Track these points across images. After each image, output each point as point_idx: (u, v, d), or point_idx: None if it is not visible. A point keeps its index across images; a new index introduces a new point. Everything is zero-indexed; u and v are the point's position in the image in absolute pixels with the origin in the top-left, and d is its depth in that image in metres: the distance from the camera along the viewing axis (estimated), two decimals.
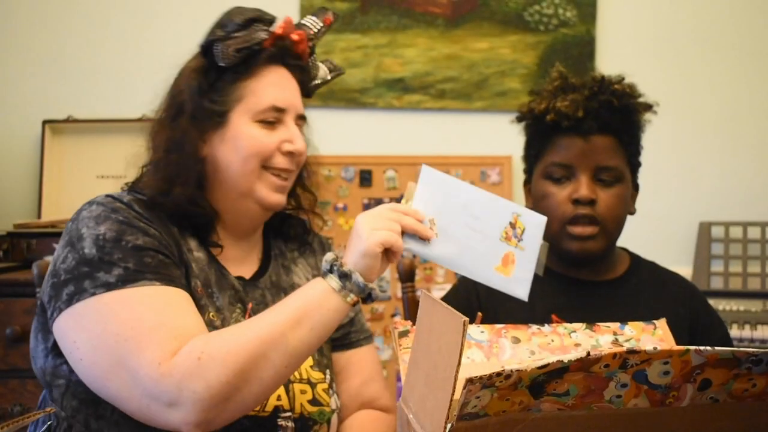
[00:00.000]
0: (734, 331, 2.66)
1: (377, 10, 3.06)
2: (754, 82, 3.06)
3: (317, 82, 1.52)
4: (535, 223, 1.36)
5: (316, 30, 1.48)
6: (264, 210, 1.43)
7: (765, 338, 2.66)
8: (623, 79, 1.66)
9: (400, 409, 1.03)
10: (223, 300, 1.38)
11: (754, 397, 0.88)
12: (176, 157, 1.38)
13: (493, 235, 1.34)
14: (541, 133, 1.66)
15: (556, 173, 1.61)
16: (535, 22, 3.06)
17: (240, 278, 1.44)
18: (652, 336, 1.28)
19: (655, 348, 0.82)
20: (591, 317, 1.63)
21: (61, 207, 2.93)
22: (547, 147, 1.64)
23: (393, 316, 3.05)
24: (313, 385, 1.41)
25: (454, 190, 1.36)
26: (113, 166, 2.86)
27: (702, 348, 0.84)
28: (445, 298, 1.72)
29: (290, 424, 1.34)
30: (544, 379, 0.82)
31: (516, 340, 1.25)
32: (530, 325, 1.28)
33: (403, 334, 1.23)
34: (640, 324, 1.30)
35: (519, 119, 1.71)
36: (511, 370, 0.80)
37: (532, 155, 1.69)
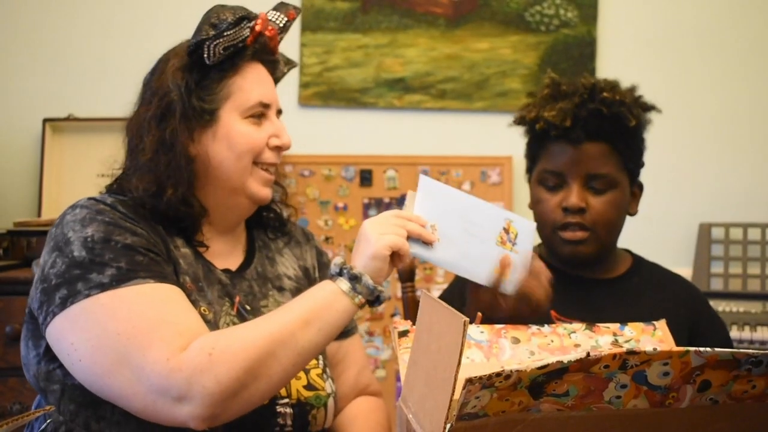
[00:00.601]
0: (734, 333, 2.66)
1: (378, 10, 3.06)
2: (754, 83, 3.06)
3: (278, 75, 1.55)
4: (527, 229, 1.43)
5: (282, 25, 1.49)
6: (253, 204, 1.47)
7: (765, 340, 2.66)
8: (615, 85, 1.64)
9: (399, 408, 1.03)
10: (212, 294, 1.40)
11: (753, 399, 0.88)
12: (167, 157, 1.38)
13: (490, 239, 1.40)
14: (535, 138, 1.67)
15: (548, 180, 1.62)
16: (536, 23, 3.06)
17: (226, 271, 1.46)
18: (652, 337, 1.28)
19: (654, 349, 0.82)
20: (590, 315, 1.63)
21: (61, 205, 2.92)
22: (541, 153, 1.65)
23: (393, 315, 3.05)
24: (306, 371, 1.43)
25: (451, 198, 1.41)
26: (113, 164, 2.86)
27: (702, 349, 0.84)
28: (441, 298, 1.72)
29: (288, 410, 1.38)
30: (544, 380, 0.82)
31: (516, 341, 1.25)
32: (530, 325, 1.28)
33: (403, 333, 1.23)
34: (640, 325, 1.30)
35: (516, 122, 1.72)
36: (511, 371, 0.80)
37: (529, 158, 1.70)
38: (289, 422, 1.38)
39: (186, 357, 1.20)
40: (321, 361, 1.47)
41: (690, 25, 3.07)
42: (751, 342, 2.65)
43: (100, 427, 1.28)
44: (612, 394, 0.86)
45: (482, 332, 1.26)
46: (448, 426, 0.84)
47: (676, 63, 3.07)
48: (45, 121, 2.96)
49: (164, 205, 1.38)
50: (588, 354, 0.81)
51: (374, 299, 1.31)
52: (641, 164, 1.69)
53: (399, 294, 2.80)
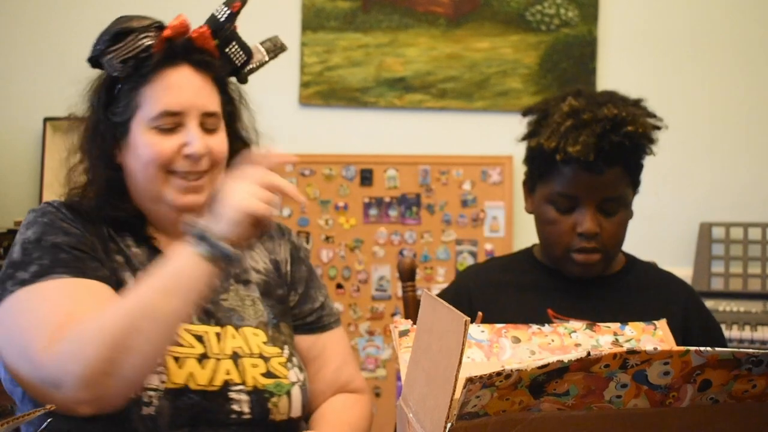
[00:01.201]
0: (734, 332, 2.67)
1: (379, 9, 3.06)
2: (755, 83, 3.06)
3: (252, 66, 1.52)
4: None
5: (222, 20, 1.46)
6: (180, 212, 1.44)
7: (765, 339, 2.66)
8: (637, 114, 1.59)
9: (399, 408, 1.04)
10: None
11: (754, 398, 0.88)
12: (94, 167, 1.45)
13: None
14: (545, 158, 1.61)
15: (560, 203, 1.60)
16: (536, 22, 3.06)
17: None
18: (653, 336, 1.28)
19: (655, 348, 0.82)
20: (585, 313, 1.64)
21: None
22: (553, 174, 1.60)
23: (393, 315, 3.05)
24: (266, 359, 1.43)
25: None
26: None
27: (702, 349, 0.84)
28: (440, 295, 1.72)
29: (244, 396, 1.38)
30: (544, 379, 0.82)
31: (516, 340, 1.25)
32: (530, 325, 1.28)
33: (404, 333, 1.23)
34: (641, 324, 1.30)
35: (533, 148, 1.64)
36: (511, 370, 0.80)
37: (535, 173, 1.66)
38: (246, 409, 1.38)
39: (56, 346, 1.24)
40: (286, 350, 1.46)
41: (690, 24, 3.07)
42: (752, 342, 2.66)
43: (76, 424, 1.30)
44: (612, 394, 0.86)
45: (483, 331, 1.26)
46: (449, 425, 0.84)
47: (676, 62, 3.07)
48: (45, 120, 2.97)
49: (96, 208, 1.42)
50: (588, 353, 0.81)
51: (226, 259, 1.29)
52: (642, 166, 1.69)
53: (399, 293, 2.81)
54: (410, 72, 3.07)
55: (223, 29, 1.47)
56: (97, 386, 1.23)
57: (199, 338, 1.41)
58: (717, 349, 0.84)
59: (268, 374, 1.42)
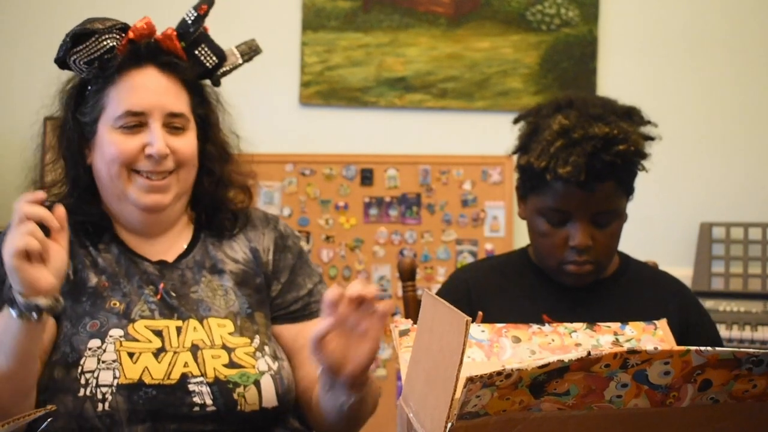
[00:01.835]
0: (734, 332, 2.67)
1: (379, 9, 3.06)
2: (755, 83, 3.06)
3: (225, 69, 1.52)
4: None
5: (189, 22, 1.48)
6: (145, 212, 1.46)
7: (765, 339, 2.66)
8: (629, 131, 1.57)
9: (400, 407, 1.04)
10: (131, 286, 1.45)
11: (754, 398, 0.88)
12: (66, 166, 1.49)
13: None
14: (536, 174, 1.59)
15: (552, 217, 1.58)
16: (537, 22, 3.06)
17: (161, 262, 1.49)
18: (653, 336, 1.28)
19: (655, 348, 0.82)
20: (581, 316, 1.63)
21: None
22: (544, 188, 1.58)
23: (393, 315, 3.05)
24: (231, 350, 1.42)
25: None
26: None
27: (702, 348, 0.84)
28: (437, 294, 1.71)
29: (205, 388, 1.37)
30: (545, 379, 0.82)
31: (516, 340, 1.25)
32: (531, 324, 1.28)
33: (404, 332, 1.23)
34: (641, 324, 1.30)
35: (522, 165, 1.62)
36: (512, 370, 0.80)
37: (527, 185, 1.64)
38: (208, 401, 1.37)
39: None
40: (257, 340, 1.45)
41: (690, 24, 3.07)
42: (752, 342, 2.66)
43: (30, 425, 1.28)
44: (613, 394, 0.86)
45: (483, 331, 1.26)
46: (449, 425, 0.84)
47: (676, 62, 3.07)
48: (46, 119, 2.96)
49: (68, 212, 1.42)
50: (589, 353, 0.81)
51: (34, 310, 1.26)
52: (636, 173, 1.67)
53: (399, 293, 2.81)
54: (411, 72, 3.08)
55: (189, 31, 1.48)
56: None
57: (158, 333, 1.41)
58: (717, 348, 0.84)
59: (231, 365, 1.40)
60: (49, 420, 1.31)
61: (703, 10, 3.07)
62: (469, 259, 3.03)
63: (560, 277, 1.63)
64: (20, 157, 1.58)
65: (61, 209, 1.29)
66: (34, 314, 1.25)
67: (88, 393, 1.34)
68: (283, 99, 3.10)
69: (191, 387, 1.37)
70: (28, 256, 1.24)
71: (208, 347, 1.41)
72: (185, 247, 1.52)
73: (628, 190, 1.62)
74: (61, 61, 1.46)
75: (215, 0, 1.49)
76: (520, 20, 3.06)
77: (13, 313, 1.26)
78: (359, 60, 3.07)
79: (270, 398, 1.42)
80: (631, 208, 1.66)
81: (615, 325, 1.30)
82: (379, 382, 3.17)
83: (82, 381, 1.35)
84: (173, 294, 1.46)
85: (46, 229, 1.26)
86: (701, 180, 3.05)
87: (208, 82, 1.54)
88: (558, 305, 1.64)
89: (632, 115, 1.62)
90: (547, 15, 3.06)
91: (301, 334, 1.52)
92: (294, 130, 3.10)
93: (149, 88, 1.44)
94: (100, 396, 1.34)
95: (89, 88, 1.47)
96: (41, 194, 1.30)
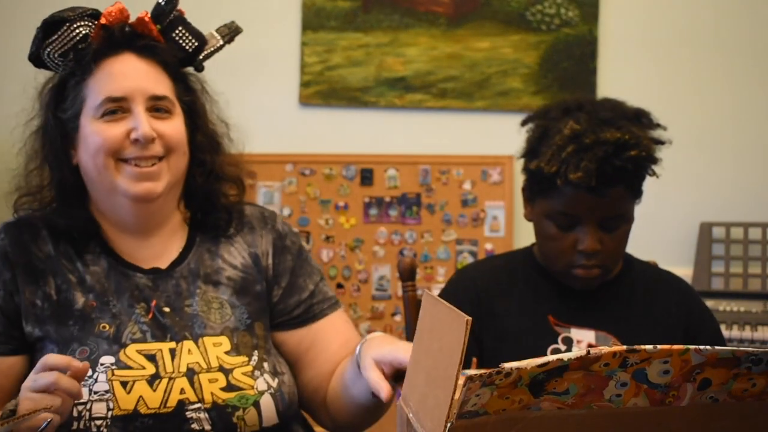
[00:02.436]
0: (734, 332, 2.66)
1: (379, 9, 3.06)
2: (755, 82, 3.06)
3: (206, 52, 1.48)
4: None
5: (163, 3, 1.43)
6: (136, 202, 1.40)
7: (765, 339, 2.66)
8: (641, 137, 1.56)
9: (400, 408, 1.04)
10: (121, 305, 1.40)
11: (753, 397, 0.88)
12: (49, 169, 1.43)
13: None
14: (545, 178, 1.58)
15: (560, 220, 1.58)
16: (537, 22, 3.06)
17: (154, 270, 1.44)
18: None
19: (654, 347, 0.82)
20: (587, 317, 1.64)
21: None
22: (553, 192, 1.57)
23: (393, 315, 3.05)
24: (227, 372, 1.37)
25: None
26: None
27: (702, 347, 0.84)
28: (441, 297, 1.71)
29: (203, 415, 1.33)
30: (544, 378, 0.82)
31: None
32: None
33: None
34: None
35: (531, 168, 1.61)
36: (511, 368, 0.80)
37: (535, 188, 1.63)
38: (207, 427, 1.33)
39: None
40: (255, 356, 1.41)
41: (691, 24, 3.07)
42: (752, 341, 2.66)
43: None
44: (612, 393, 0.86)
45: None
46: (449, 424, 0.84)
47: (676, 62, 3.07)
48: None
49: (50, 221, 1.40)
50: (588, 352, 0.81)
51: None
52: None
53: (400, 293, 2.81)
54: (410, 72, 3.08)
55: (163, 13, 1.43)
56: None
57: (152, 357, 1.36)
58: (716, 347, 0.84)
59: (229, 387, 1.36)
60: (49, 420, 1.31)
61: (703, 10, 3.07)
62: (469, 259, 3.03)
63: (568, 280, 1.63)
64: (2, 162, 1.53)
65: (86, 367, 1.22)
66: None
67: (81, 426, 1.29)
68: (283, 99, 3.10)
69: (189, 414, 1.33)
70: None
71: (204, 370, 1.36)
72: (179, 251, 1.47)
73: (637, 195, 1.62)
74: (35, 57, 1.41)
75: None
76: (520, 20, 3.06)
77: None
78: (359, 60, 3.07)
79: (270, 417, 1.38)
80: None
81: None
82: None
83: (74, 413, 1.29)
84: (166, 310, 1.41)
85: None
86: (701, 180, 3.05)
87: (191, 70, 1.49)
88: (563, 306, 1.64)
89: (641, 119, 1.62)
90: (547, 15, 3.06)
91: (306, 337, 1.50)
92: (294, 130, 3.10)
93: (128, 74, 1.39)
94: (94, 429, 1.29)
95: (67, 84, 1.42)
96: (86, 368, 1.22)
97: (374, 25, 3.06)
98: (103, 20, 1.40)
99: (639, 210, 1.71)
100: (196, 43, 1.46)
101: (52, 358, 1.20)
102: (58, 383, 1.17)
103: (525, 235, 2.84)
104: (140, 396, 1.32)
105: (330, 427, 1.50)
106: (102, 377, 1.32)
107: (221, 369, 1.37)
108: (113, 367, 1.34)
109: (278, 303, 1.50)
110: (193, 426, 1.32)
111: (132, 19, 1.43)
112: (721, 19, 3.06)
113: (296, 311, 1.51)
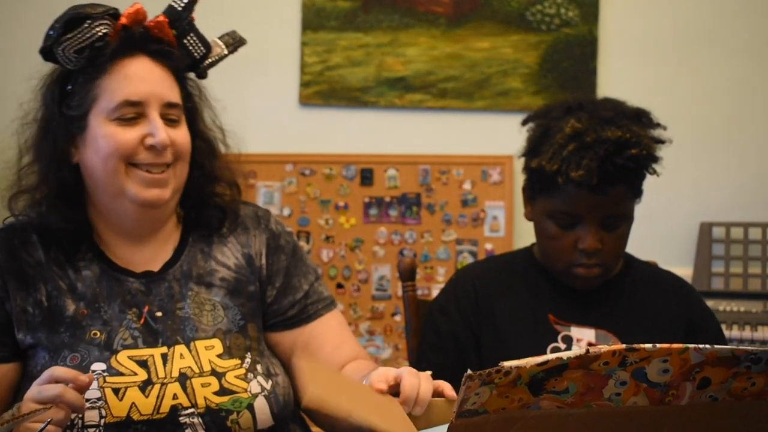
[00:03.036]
0: (734, 332, 2.66)
1: (379, 9, 3.06)
2: (756, 83, 3.05)
3: (211, 60, 1.47)
4: None
5: (180, 9, 1.41)
6: (143, 208, 1.39)
7: (765, 339, 2.66)
8: (642, 135, 1.57)
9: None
10: (112, 311, 1.38)
11: (753, 396, 0.88)
12: (47, 167, 1.39)
13: None
14: (546, 176, 1.58)
15: (561, 219, 1.58)
16: (537, 22, 3.06)
17: (146, 274, 1.42)
18: None
19: (654, 346, 0.82)
20: (587, 316, 1.64)
21: None
22: (554, 191, 1.58)
23: (393, 315, 3.05)
24: (220, 375, 1.36)
25: None
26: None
27: (701, 346, 0.84)
28: (441, 297, 1.71)
29: (197, 420, 1.32)
30: (544, 377, 0.82)
31: None
32: None
33: None
34: None
35: (533, 166, 1.60)
36: (511, 367, 0.80)
37: (536, 187, 1.63)
38: None
39: None
40: (248, 358, 1.40)
41: (691, 24, 3.07)
42: (752, 341, 2.66)
43: None
44: (612, 392, 0.86)
45: None
46: (449, 423, 0.84)
47: (676, 62, 3.06)
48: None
49: (43, 226, 1.38)
50: (587, 351, 0.81)
51: None
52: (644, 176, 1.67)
53: (400, 293, 2.81)
54: (410, 72, 3.07)
55: (181, 18, 1.42)
56: None
57: (143, 363, 1.35)
58: (716, 346, 0.84)
59: (222, 391, 1.35)
60: (49, 420, 1.31)
61: (704, 10, 3.07)
62: (470, 259, 3.03)
63: (568, 279, 1.63)
64: (2, 162, 1.50)
65: (91, 380, 1.22)
66: None
67: None
68: (283, 99, 3.10)
69: (182, 419, 1.32)
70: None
71: (196, 375, 1.35)
72: (172, 253, 1.46)
73: (637, 194, 1.62)
74: (47, 51, 1.36)
75: None
76: (520, 20, 3.06)
77: None
78: (359, 60, 3.07)
79: (265, 419, 1.38)
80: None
81: None
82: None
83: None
84: (158, 315, 1.39)
85: None
86: (701, 180, 3.05)
87: (190, 74, 1.48)
88: (564, 305, 1.65)
89: (642, 118, 1.63)
90: (547, 15, 3.06)
91: (300, 338, 1.50)
92: (294, 130, 3.10)
93: (145, 78, 1.37)
94: None
95: (74, 80, 1.38)
96: (91, 381, 1.22)
97: (374, 25, 3.06)
98: (123, 20, 1.38)
99: (639, 210, 1.71)
100: (204, 51, 1.46)
101: (58, 370, 1.20)
102: (63, 396, 1.16)
103: (525, 235, 2.83)
104: (132, 402, 1.31)
105: (327, 427, 1.50)
106: (94, 384, 1.30)
107: (214, 373, 1.36)
108: (105, 374, 1.32)
109: (272, 303, 1.49)
110: (187, 431, 1.32)
111: (146, 17, 1.41)
112: (721, 19, 3.06)
113: (290, 312, 1.50)
